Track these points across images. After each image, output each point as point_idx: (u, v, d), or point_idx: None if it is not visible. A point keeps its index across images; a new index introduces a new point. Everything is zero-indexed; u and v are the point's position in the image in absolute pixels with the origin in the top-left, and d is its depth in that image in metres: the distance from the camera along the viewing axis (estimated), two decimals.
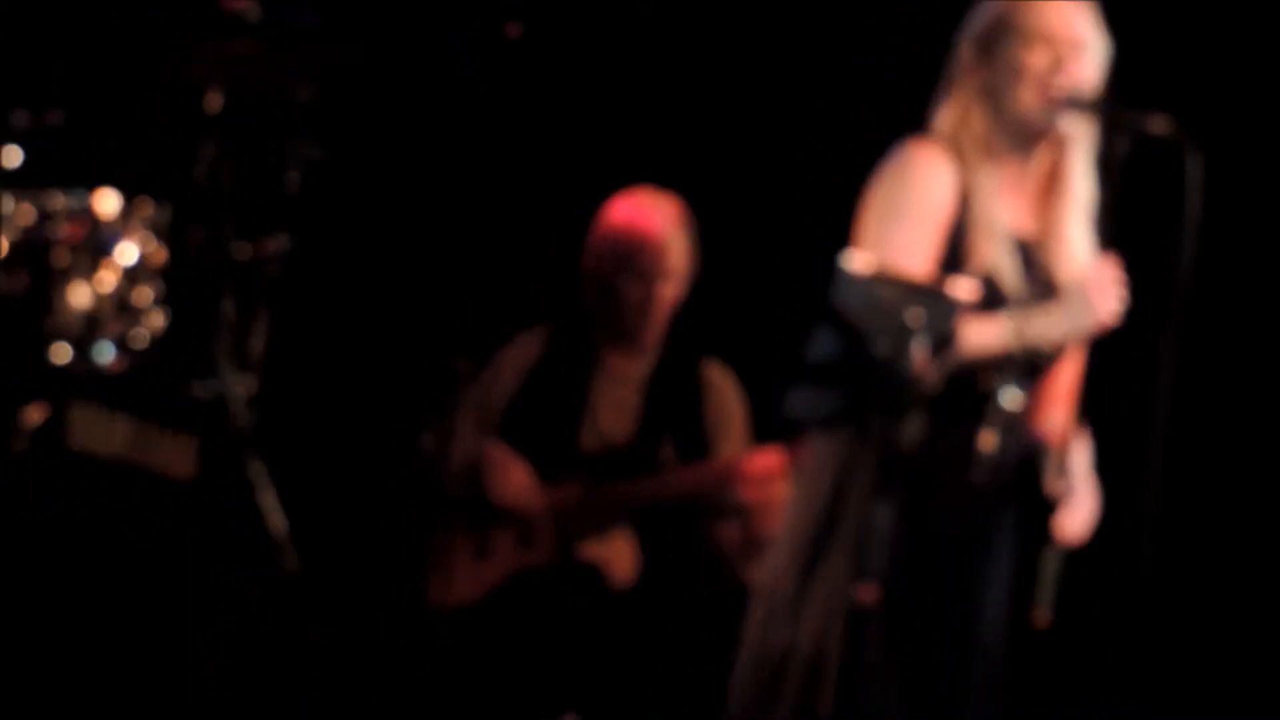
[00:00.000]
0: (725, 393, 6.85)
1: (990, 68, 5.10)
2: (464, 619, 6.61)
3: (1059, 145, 5.13)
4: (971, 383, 4.92)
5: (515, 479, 6.69)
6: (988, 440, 4.93)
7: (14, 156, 5.85)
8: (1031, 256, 5.08)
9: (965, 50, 5.16)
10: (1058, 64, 5.04)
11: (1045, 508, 5.09)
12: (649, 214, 6.84)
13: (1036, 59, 5.04)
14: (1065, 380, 5.14)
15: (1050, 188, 5.18)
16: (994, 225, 5.02)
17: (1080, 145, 5.12)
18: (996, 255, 4.98)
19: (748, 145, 7.33)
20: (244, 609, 5.99)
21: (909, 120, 5.22)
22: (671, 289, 6.79)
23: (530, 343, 6.93)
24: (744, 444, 6.77)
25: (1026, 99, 5.03)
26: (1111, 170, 5.00)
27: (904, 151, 5.07)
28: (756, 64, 7.55)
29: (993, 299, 4.86)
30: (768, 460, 6.44)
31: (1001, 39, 5.09)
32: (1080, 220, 5.17)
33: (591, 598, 6.66)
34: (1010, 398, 5.00)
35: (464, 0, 6.80)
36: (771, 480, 6.42)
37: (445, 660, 6.55)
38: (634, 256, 6.78)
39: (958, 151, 5.07)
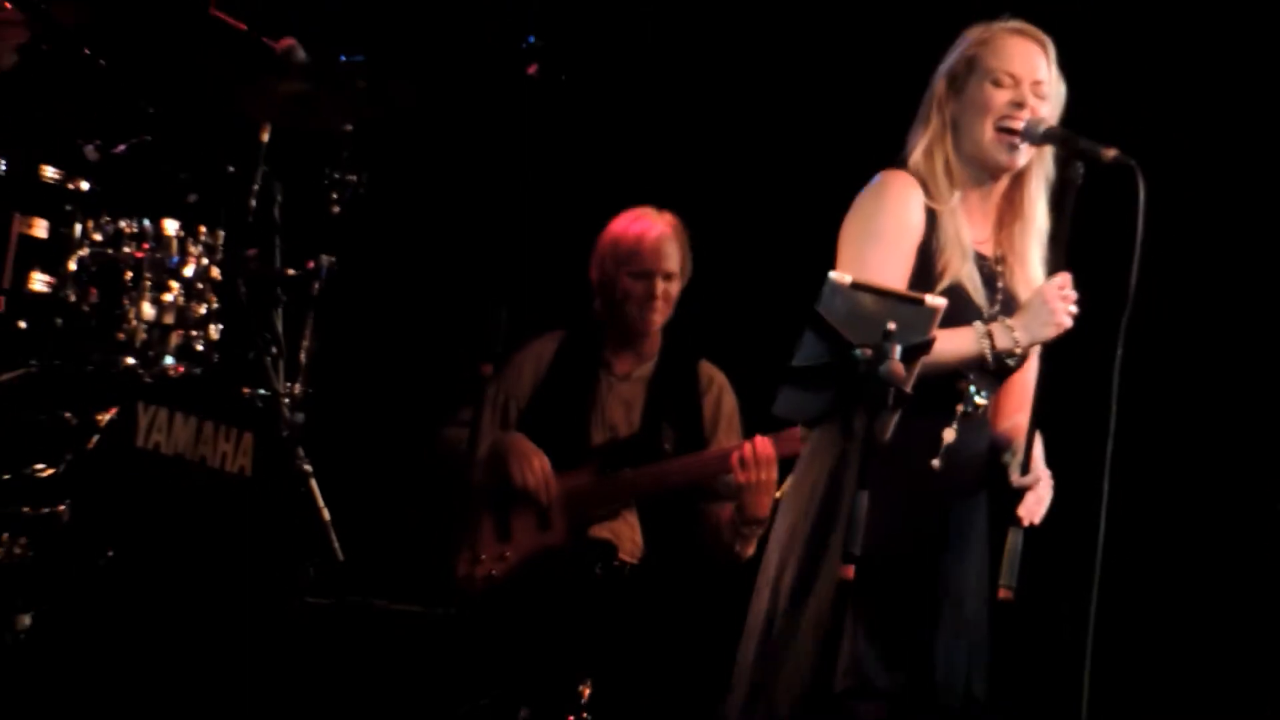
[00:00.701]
0: (720, 390, 6.95)
1: (958, 103, 5.19)
2: (488, 593, 6.69)
3: (1018, 174, 5.20)
4: (940, 383, 4.97)
5: (533, 467, 6.75)
6: (949, 434, 5.05)
7: (85, 184, 5.81)
8: (992, 272, 5.18)
9: (938, 86, 5.23)
10: (1020, 101, 5.12)
11: (1009, 496, 5.09)
12: (646, 220, 6.94)
13: (999, 97, 5.13)
14: (1024, 382, 5.20)
15: (1009, 211, 5.27)
16: (960, 243, 5.10)
17: (1038, 174, 5.21)
18: (962, 270, 5.06)
19: (739, 170, 7.35)
20: (293, 590, 5.99)
21: (883, 152, 5.27)
22: (668, 285, 6.89)
23: (545, 346, 7.02)
24: (738, 435, 6.84)
25: (988, 134, 5.12)
26: (1068, 193, 5.06)
27: (879, 181, 5.17)
28: (747, 97, 7.57)
29: (960, 309, 4.92)
30: (760, 448, 6.47)
31: (969, 77, 5.18)
32: (1038, 242, 5.25)
33: (602, 573, 6.71)
34: (975, 398, 5.11)
35: (488, 43, 6.90)
36: (763, 465, 6.47)
37: (471, 630, 6.52)
38: (633, 256, 6.88)
39: (926, 179, 5.15)
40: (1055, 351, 5.12)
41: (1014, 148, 5.15)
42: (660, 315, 6.96)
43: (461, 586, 6.72)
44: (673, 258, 6.95)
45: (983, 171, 5.20)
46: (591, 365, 7.06)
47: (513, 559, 6.82)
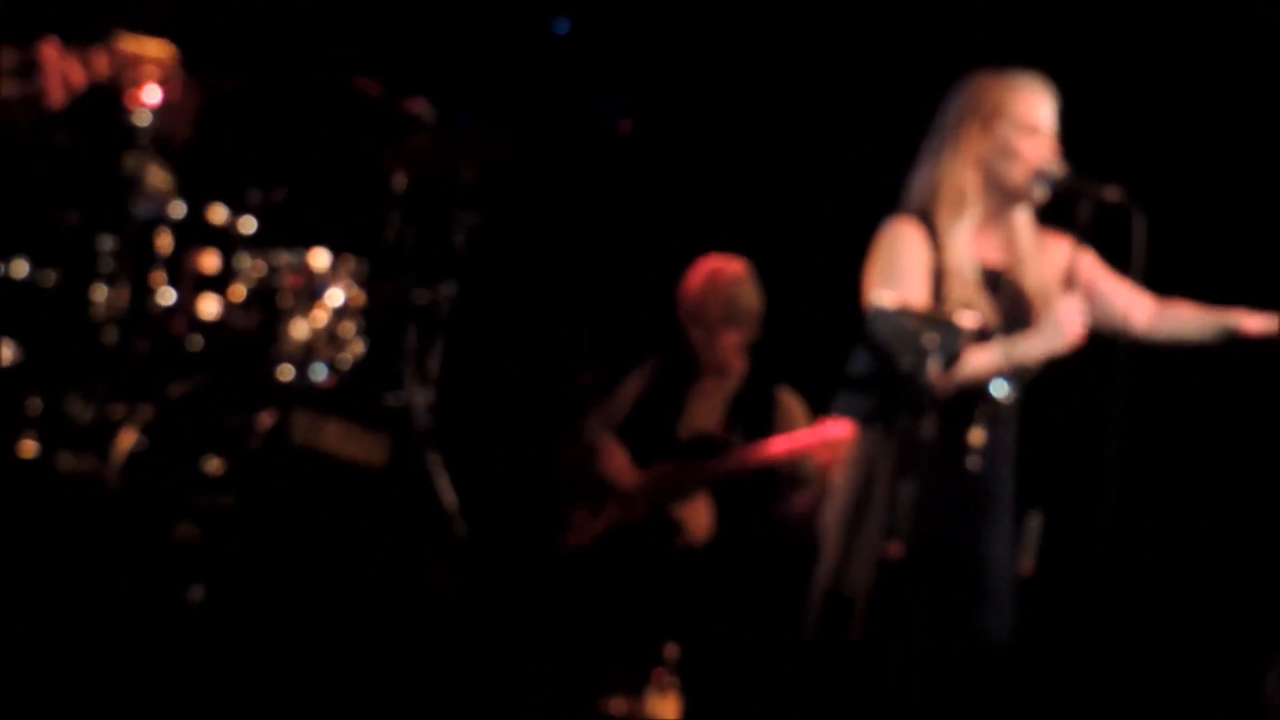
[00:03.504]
0: (793, 410, 6.83)
1: (989, 143, 5.11)
2: (580, 557, 6.71)
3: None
4: (970, 391, 4.94)
5: (617, 460, 6.76)
6: (977, 436, 5.00)
7: (249, 224, 5.92)
8: (1003, 280, 5.12)
9: (968, 127, 5.15)
10: (1043, 149, 5.08)
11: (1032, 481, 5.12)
12: (722, 272, 6.88)
13: (1027, 144, 5.07)
14: (1121, 287, 5.17)
15: (1013, 231, 5.19)
16: (962, 269, 5.07)
17: (1026, 208, 5.19)
18: (966, 291, 5.04)
19: (795, 226, 7.29)
20: (424, 567, 5.94)
21: (891, 202, 5.23)
22: (734, 334, 6.83)
23: (646, 371, 6.98)
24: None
25: (1017, 174, 5.07)
26: (1078, 229, 5.01)
27: (888, 226, 5.12)
28: (799, 171, 7.45)
29: (981, 330, 4.90)
30: (838, 426, 6.30)
31: (997, 122, 5.10)
32: (1032, 249, 5.19)
33: (668, 545, 6.70)
34: (996, 395, 5.05)
35: (586, 103, 6.99)
36: (840, 444, 6.24)
37: (566, 586, 6.57)
38: (708, 303, 6.82)
39: (933, 213, 5.11)
40: (1067, 362, 5.07)
41: (1033, 186, 5.10)
42: (737, 348, 6.95)
43: (557, 551, 6.75)
44: (744, 302, 6.94)
45: (1005, 202, 5.16)
46: (682, 383, 7.02)
47: (597, 531, 6.83)
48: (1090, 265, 5.16)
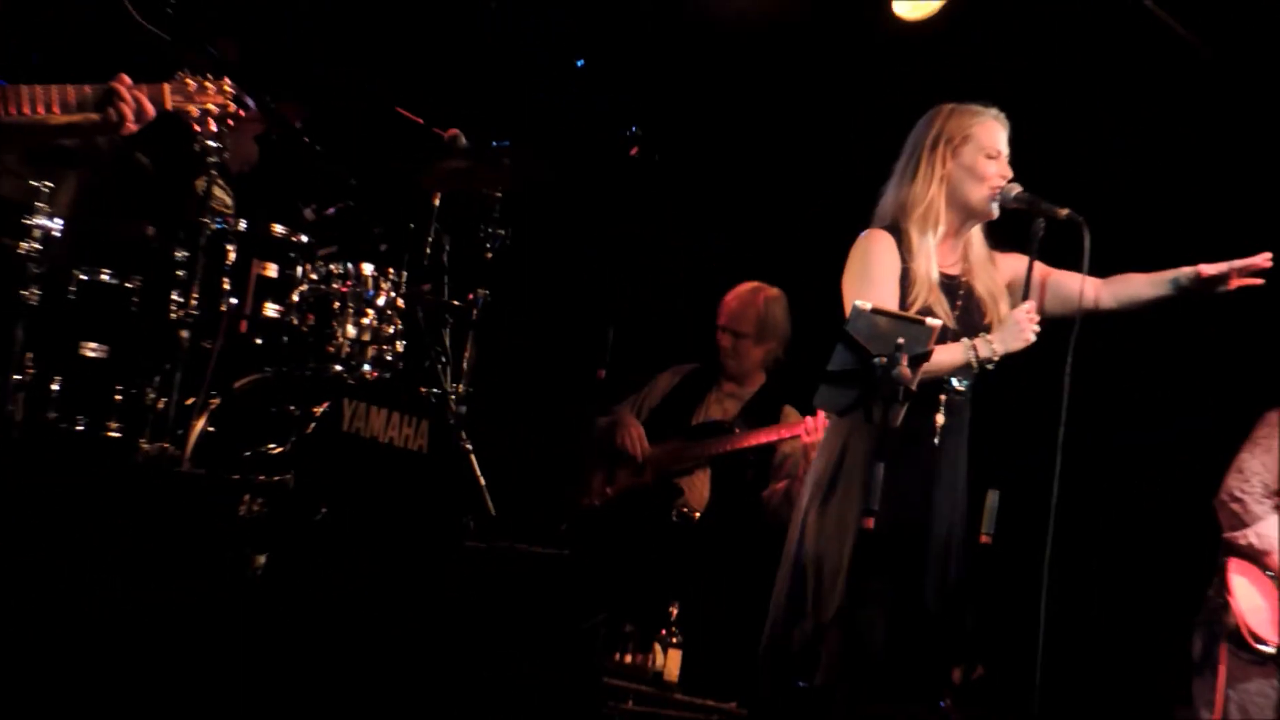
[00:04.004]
0: (792, 419, 6.89)
1: (956, 167, 5.18)
2: (594, 514, 6.89)
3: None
4: (934, 383, 5.00)
5: (633, 433, 6.92)
6: (940, 421, 5.07)
7: (305, 238, 5.90)
8: (957, 286, 5.19)
9: (937, 151, 5.20)
10: (1002, 174, 5.17)
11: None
12: (761, 291, 7.02)
13: (990, 168, 5.17)
14: (1070, 281, 5.19)
15: (969, 244, 5.28)
16: (927, 276, 5.13)
17: (982, 221, 5.27)
18: (929, 296, 5.10)
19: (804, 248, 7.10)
20: (457, 537, 6.00)
21: (864, 217, 5.31)
22: (760, 348, 7.00)
23: (681, 370, 7.19)
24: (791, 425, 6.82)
25: (979, 194, 5.17)
26: (1031, 241, 5.12)
27: (864, 239, 5.22)
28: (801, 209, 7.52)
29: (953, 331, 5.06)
30: (810, 424, 6.42)
31: (964, 148, 5.17)
32: (984, 261, 5.26)
33: (676, 517, 6.78)
34: (957, 386, 5.13)
35: (601, 131, 6.96)
36: (817, 432, 6.32)
37: (582, 539, 6.70)
38: (744, 315, 7.01)
39: (903, 227, 5.17)
40: (1020, 359, 5.13)
41: (994, 204, 5.18)
42: (735, 363, 7.06)
43: (575, 510, 6.85)
44: (770, 324, 7.04)
45: (966, 219, 5.24)
46: (706, 384, 7.16)
47: (611, 494, 6.95)
48: (1042, 266, 5.19)
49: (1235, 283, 5.18)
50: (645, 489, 6.91)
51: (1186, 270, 5.21)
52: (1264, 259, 5.15)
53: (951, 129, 5.22)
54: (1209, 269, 5.16)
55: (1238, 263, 5.16)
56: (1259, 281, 5.17)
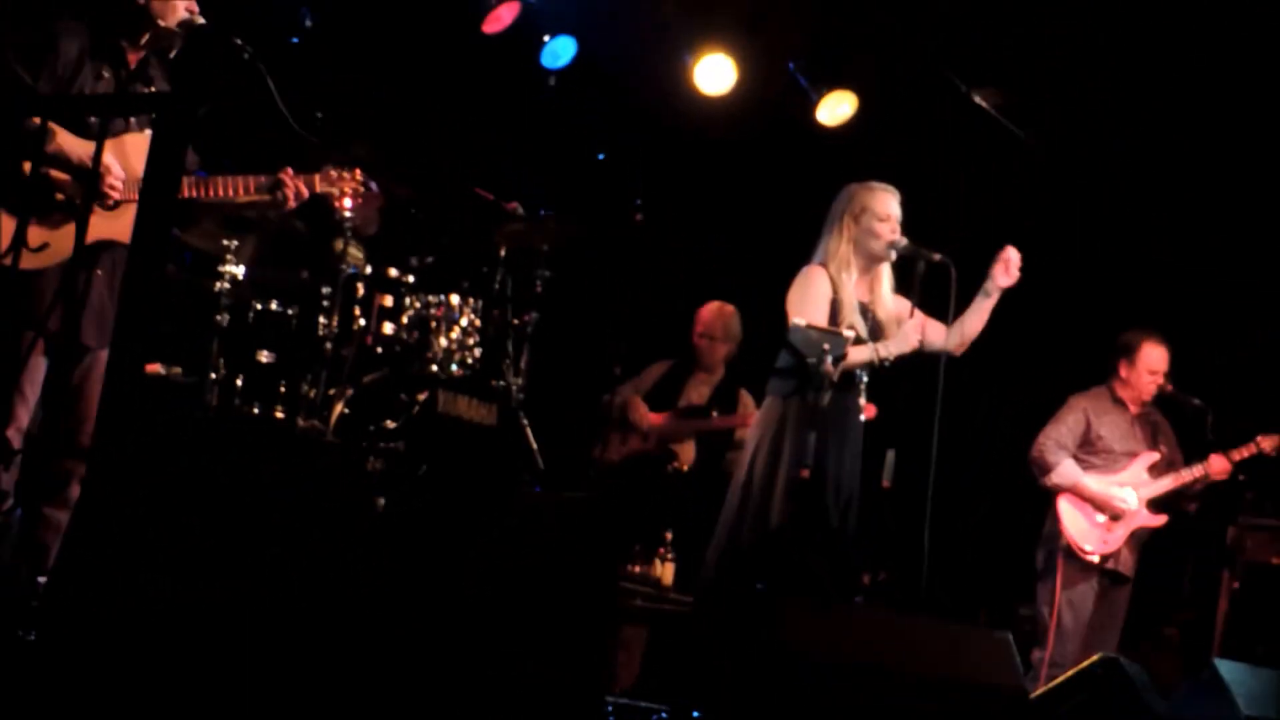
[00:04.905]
0: (745, 400, 6.91)
1: (858, 228, 5.19)
2: (609, 471, 6.79)
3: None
4: (849, 374, 5.03)
5: (640, 411, 6.88)
6: (859, 400, 5.11)
7: (411, 278, 5.91)
8: (869, 312, 5.24)
9: (845, 218, 5.20)
10: (894, 231, 5.19)
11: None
12: (724, 308, 7.01)
13: (884, 228, 5.19)
14: (933, 327, 5.19)
15: (875, 281, 5.29)
16: (850, 302, 5.17)
17: (886, 265, 5.29)
18: (852, 318, 5.15)
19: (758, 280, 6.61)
20: (515, 484, 6.03)
21: (804, 255, 5.32)
22: (724, 348, 6.96)
23: (663, 365, 7.11)
24: (753, 415, 6.67)
25: (877, 246, 5.20)
26: (914, 278, 5.16)
27: (803, 273, 5.25)
28: (760, 242, 7.37)
29: (856, 338, 5.03)
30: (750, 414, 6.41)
31: (865, 215, 5.20)
32: (887, 296, 5.27)
33: (670, 471, 6.76)
34: (862, 378, 5.12)
35: (611, 198, 6.89)
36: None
37: (603, 490, 6.63)
38: (705, 329, 6.99)
39: (830, 269, 5.20)
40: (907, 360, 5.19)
41: (888, 251, 5.21)
42: (707, 358, 7.01)
43: (596, 464, 6.77)
44: (729, 333, 7.00)
45: (872, 263, 5.25)
46: (685, 374, 7.11)
47: (624, 453, 6.89)
48: (923, 316, 5.17)
49: (1007, 274, 5.11)
50: (649, 453, 6.86)
51: (986, 284, 5.16)
52: (1009, 251, 5.12)
53: (855, 204, 5.24)
54: (995, 272, 5.13)
55: (998, 261, 5.13)
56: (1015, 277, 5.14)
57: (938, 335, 5.23)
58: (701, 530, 5.49)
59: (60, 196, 4.20)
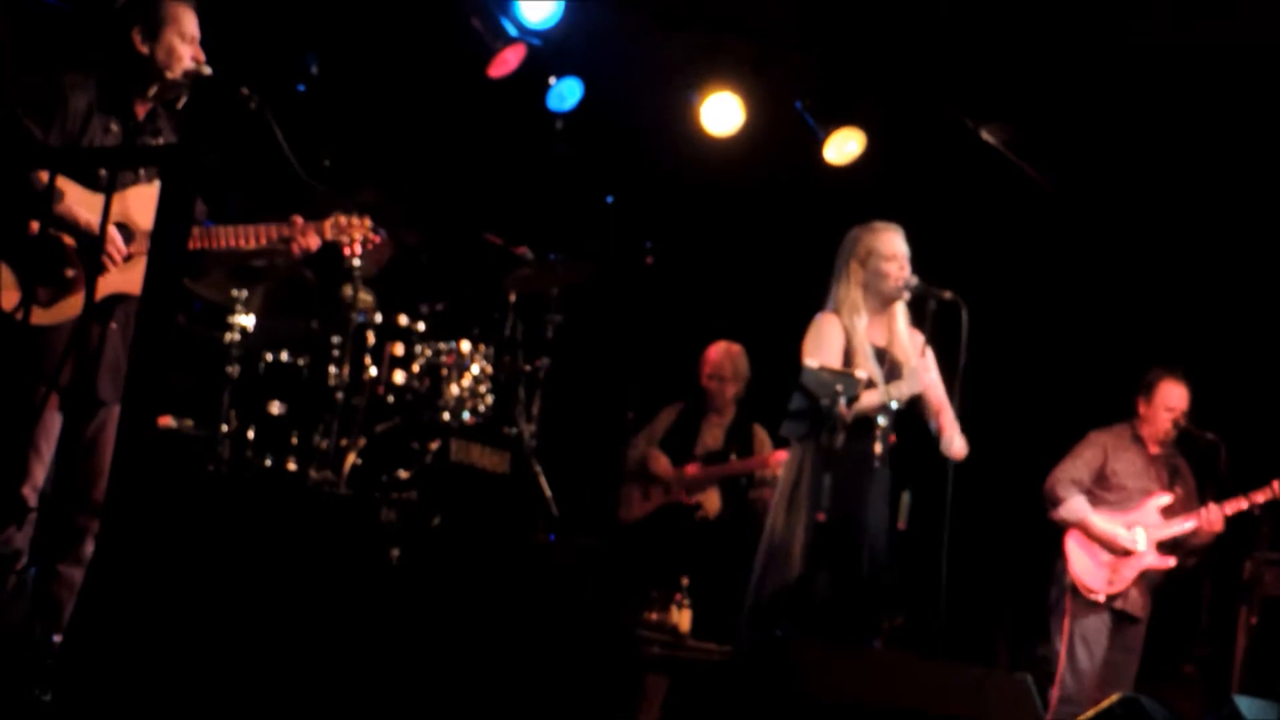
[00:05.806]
0: (761, 438, 6.93)
1: (865, 271, 5.22)
2: (632, 529, 6.77)
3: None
4: (864, 418, 5.04)
5: (662, 463, 6.85)
6: (876, 447, 5.12)
7: (422, 325, 5.95)
8: (886, 353, 5.25)
9: (851, 263, 5.23)
10: (902, 269, 5.21)
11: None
12: (731, 348, 6.99)
13: (891, 267, 5.21)
14: (936, 396, 5.23)
15: (890, 323, 5.30)
16: (862, 347, 5.18)
17: (901, 305, 5.30)
18: (865, 363, 5.15)
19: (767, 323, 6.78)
20: (530, 532, 5.99)
21: (814, 293, 5.37)
22: (733, 387, 6.93)
23: (674, 409, 7.09)
24: (769, 451, 6.85)
25: (887, 287, 5.21)
26: (926, 317, 5.19)
27: (816, 320, 5.27)
28: (771, 290, 7.34)
29: (868, 382, 5.05)
30: (780, 456, 6.38)
31: (872, 257, 5.22)
32: (904, 335, 5.29)
33: (696, 521, 6.74)
34: (885, 425, 5.14)
35: (621, 241, 6.90)
36: (778, 461, 6.30)
37: (623, 548, 6.56)
38: (713, 371, 6.96)
39: (841, 315, 5.23)
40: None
41: (900, 291, 5.22)
42: (718, 399, 6.99)
43: (620, 522, 6.75)
44: (737, 373, 6.98)
45: (884, 304, 5.26)
46: (697, 417, 7.10)
47: (648, 508, 6.87)
48: (930, 354, 5.16)
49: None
50: (674, 504, 6.82)
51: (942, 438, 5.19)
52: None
53: (860, 247, 5.25)
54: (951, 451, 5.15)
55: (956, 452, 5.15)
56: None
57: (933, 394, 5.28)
58: (721, 576, 5.50)
59: (69, 253, 4.17)
